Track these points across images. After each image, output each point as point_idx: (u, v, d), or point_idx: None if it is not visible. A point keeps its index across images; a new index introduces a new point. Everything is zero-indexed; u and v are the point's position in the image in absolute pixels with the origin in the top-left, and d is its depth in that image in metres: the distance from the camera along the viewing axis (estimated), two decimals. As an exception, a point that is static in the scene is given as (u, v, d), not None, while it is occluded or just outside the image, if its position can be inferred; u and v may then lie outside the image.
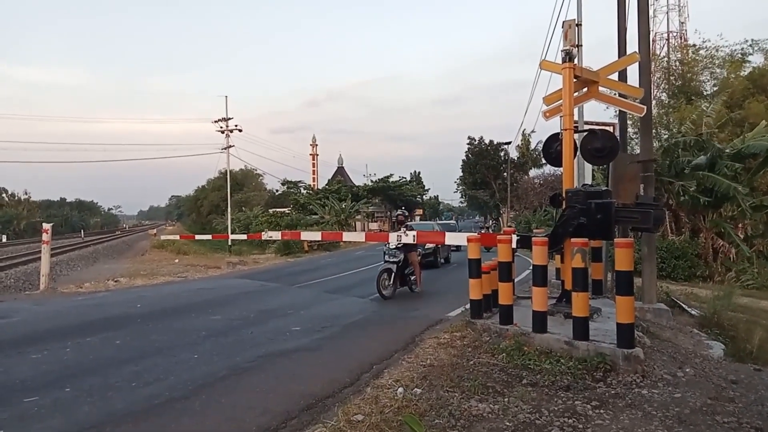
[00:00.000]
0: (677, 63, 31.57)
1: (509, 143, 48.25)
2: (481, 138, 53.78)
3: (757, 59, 28.49)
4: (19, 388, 5.13)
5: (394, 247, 10.70)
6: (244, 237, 27.45)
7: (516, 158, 51.05)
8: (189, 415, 4.42)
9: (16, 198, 69.33)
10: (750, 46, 28.25)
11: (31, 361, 6.17)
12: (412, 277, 11.11)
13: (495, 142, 52.31)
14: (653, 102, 27.33)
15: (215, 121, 37.89)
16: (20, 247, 34.27)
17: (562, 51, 7.29)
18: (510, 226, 27.20)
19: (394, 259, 10.58)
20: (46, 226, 14.02)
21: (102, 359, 6.24)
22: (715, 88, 26.79)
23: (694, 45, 30.17)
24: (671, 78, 29.72)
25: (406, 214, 11.77)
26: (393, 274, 10.60)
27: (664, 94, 29.64)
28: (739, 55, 28.32)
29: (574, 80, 6.85)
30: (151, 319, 8.85)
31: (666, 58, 34.07)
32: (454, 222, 25.77)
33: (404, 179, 65.15)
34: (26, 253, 26.93)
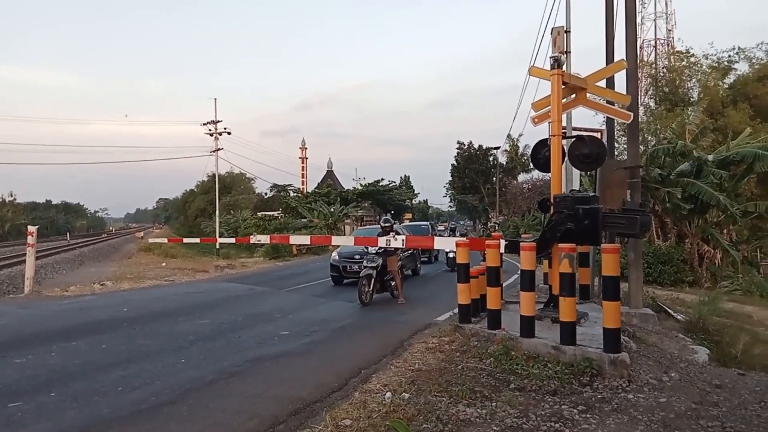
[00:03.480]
0: (664, 70, 31.94)
1: (498, 148, 48.57)
2: (470, 143, 54.14)
3: (742, 67, 28.93)
4: (3, 393, 5.07)
5: (373, 252, 10.64)
6: (232, 240, 27.34)
7: (505, 163, 51.37)
8: (176, 420, 4.39)
9: (1, 200, 68.43)
10: (737, 53, 28.67)
11: (15, 366, 6.10)
12: (393, 283, 10.91)
13: (484, 147, 52.67)
14: (641, 109, 27.69)
15: (204, 124, 37.76)
16: (4, 250, 33.83)
17: (550, 58, 7.38)
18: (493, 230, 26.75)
19: (373, 264, 10.44)
20: (32, 228, 13.88)
21: (88, 364, 6.18)
22: (701, 96, 27.16)
23: (687, 51, 30.50)
24: (659, 84, 30.07)
25: (391, 221, 11.65)
26: (372, 279, 10.48)
27: (652, 100, 29.99)
28: (726, 63, 28.72)
29: (563, 87, 6.91)
30: (137, 323, 8.78)
31: (654, 65, 34.46)
32: (427, 224, 24.71)
33: (393, 183, 65.23)
34: (11, 255, 26.57)
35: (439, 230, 30.84)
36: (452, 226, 20.49)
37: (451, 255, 16.93)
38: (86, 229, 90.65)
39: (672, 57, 34.30)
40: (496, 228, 14.92)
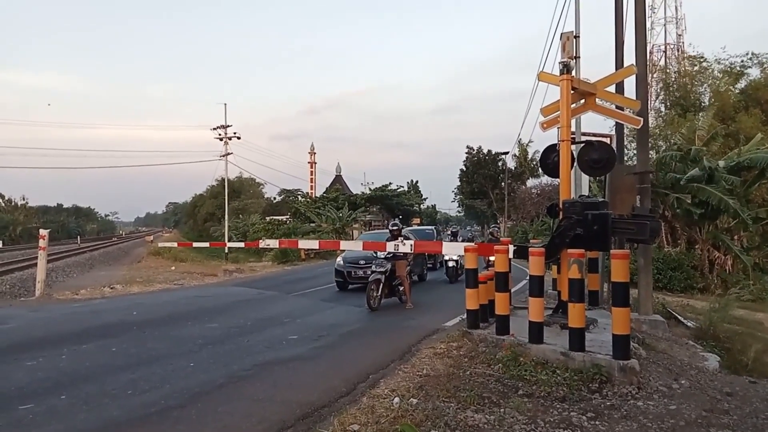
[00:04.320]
0: (676, 74, 31.75)
1: (507, 153, 48.44)
2: (480, 148, 54.05)
3: (754, 72, 28.68)
4: (15, 395, 5.12)
5: (382, 256, 10.64)
6: (241, 245, 27.46)
7: (513, 168, 51.23)
8: (185, 423, 4.42)
9: (13, 203, 69.16)
10: (750, 59, 28.44)
11: (26, 368, 6.16)
12: (401, 288, 10.92)
13: (493, 152, 52.57)
14: (653, 113, 27.50)
15: (214, 129, 37.96)
16: (16, 253, 34.15)
17: (559, 63, 7.36)
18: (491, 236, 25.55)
19: (381, 269, 10.45)
20: (43, 232, 14.00)
21: (98, 366, 6.22)
22: (712, 101, 26.98)
23: (701, 57, 30.24)
24: (671, 89, 29.87)
25: (400, 226, 11.63)
26: (381, 284, 10.47)
27: (662, 105, 29.83)
28: (738, 68, 28.50)
29: (572, 92, 6.90)
30: (147, 326, 8.84)
31: (666, 69, 34.25)
32: (432, 229, 23.52)
33: (402, 188, 65.22)
34: (22, 259, 26.81)
35: (448, 234, 30.09)
36: (453, 230, 18.48)
37: (450, 264, 15.66)
38: (96, 233, 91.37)
39: (684, 62, 34.12)
40: (494, 233, 13.98)
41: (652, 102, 30.05)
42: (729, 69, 28.43)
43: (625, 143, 12.84)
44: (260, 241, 22.36)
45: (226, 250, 32.77)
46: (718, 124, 21.09)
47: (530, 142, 48.50)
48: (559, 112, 7.04)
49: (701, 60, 29.73)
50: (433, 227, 26.59)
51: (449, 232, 15.78)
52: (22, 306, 12.00)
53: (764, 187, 18.39)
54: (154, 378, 5.71)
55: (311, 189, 71.66)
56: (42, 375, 5.89)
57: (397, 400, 4.66)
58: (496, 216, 51.42)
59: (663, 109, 29.22)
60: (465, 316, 7.28)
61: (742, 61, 28.54)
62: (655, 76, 32.98)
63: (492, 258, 10.97)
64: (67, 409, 4.74)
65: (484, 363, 5.79)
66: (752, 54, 28.41)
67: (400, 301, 10.96)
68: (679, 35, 51.00)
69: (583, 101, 7.52)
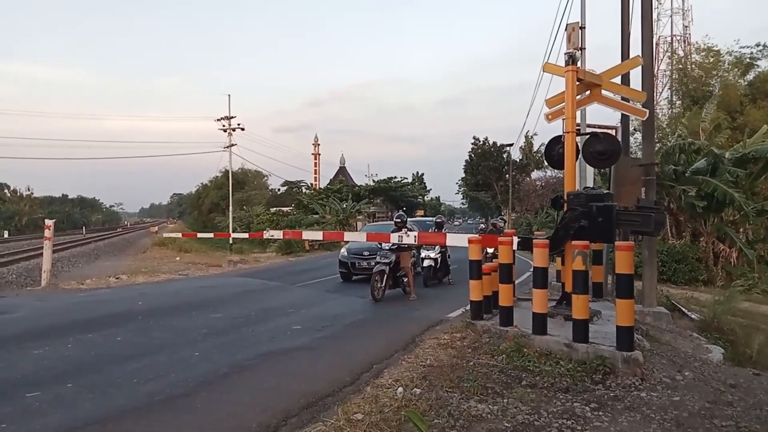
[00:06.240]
0: (691, 66, 31.45)
1: (512, 145, 48.26)
2: (486, 139, 53.84)
3: (764, 64, 28.43)
4: (21, 383, 5.17)
5: (387, 248, 10.65)
6: (245, 236, 27.52)
7: (518, 160, 51.04)
8: (190, 412, 4.45)
9: (19, 194, 69.55)
10: (760, 50, 28.14)
11: (32, 357, 6.21)
12: (405, 279, 10.92)
13: (498, 144, 52.39)
14: (665, 104, 27.22)
15: (218, 120, 37.98)
16: (22, 243, 34.39)
17: (565, 54, 7.30)
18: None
19: (386, 260, 10.47)
20: (49, 222, 14.06)
21: (103, 355, 6.27)
22: (719, 92, 26.78)
23: (716, 48, 29.93)
24: (683, 81, 29.57)
25: (404, 216, 11.61)
26: (385, 275, 10.49)
27: (675, 96, 29.63)
28: (748, 59, 28.23)
29: (577, 83, 6.86)
30: (152, 316, 8.88)
31: (683, 59, 33.94)
32: (432, 220, 22.36)
33: (406, 180, 65.09)
34: (28, 249, 26.98)
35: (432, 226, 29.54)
36: (438, 221, 15.84)
37: (427, 263, 12.85)
38: (101, 224, 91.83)
39: (691, 54, 33.83)
40: (497, 225, 12.83)
41: (660, 94, 29.85)
42: (738, 60, 28.18)
43: (632, 134, 12.75)
44: (264, 232, 22.37)
45: (231, 241, 32.88)
46: (723, 115, 20.93)
47: (534, 134, 48.35)
48: (564, 104, 7.00)
49: (717, 52, 29.43)
50: (433, 219, 26.39)
51: (433, 223, 14.46)
52: (29, 295, 12.08)
53: (770, 179, 18.26)
54: (159, 367, 5.75)
55: (315, 180, 71.61)
56: (48, 363, 5.94)
57: (400, 389, 4.68)
58: (501, 208, 51.34)
59: (675, 100, 29.04)
60: (468, 307, 7.29)
61: (752, 53, 28.31)
62: (662, 67, 32.75)
63: (491, 250, 11.03)
64: (73, 397, 4.79)
65: (487, 354, 5.80)
66: (763, 45, 28.14)
67: (403, 293, 10.97)
68: (686, 26, 50.48)
69: (588, 93, 7.48)
